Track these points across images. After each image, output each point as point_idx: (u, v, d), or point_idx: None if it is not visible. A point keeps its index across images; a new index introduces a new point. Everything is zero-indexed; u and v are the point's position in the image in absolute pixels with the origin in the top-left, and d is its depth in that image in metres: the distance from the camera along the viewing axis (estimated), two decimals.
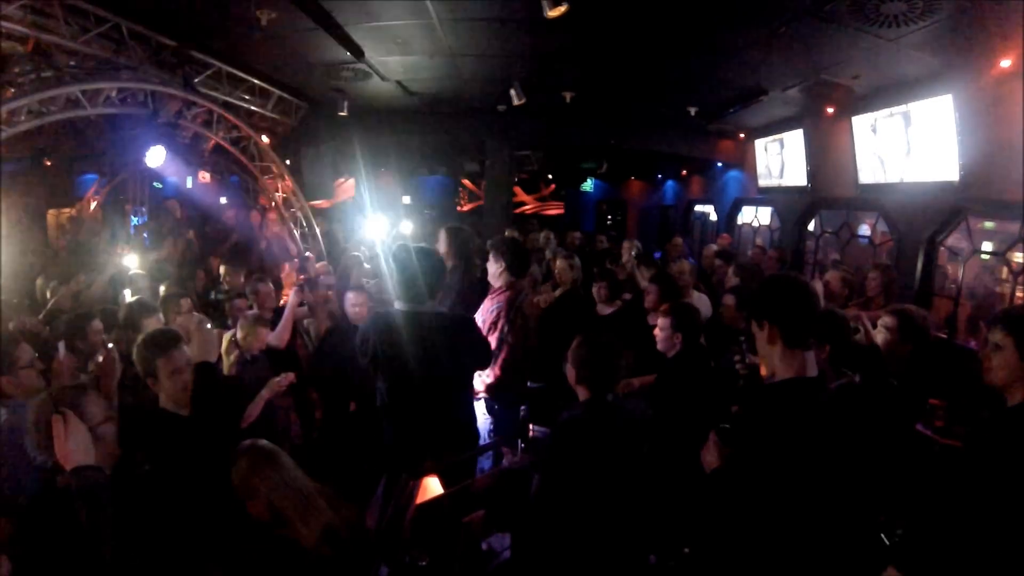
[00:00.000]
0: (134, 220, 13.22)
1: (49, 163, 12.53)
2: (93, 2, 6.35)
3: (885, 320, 3.65)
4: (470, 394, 4.34)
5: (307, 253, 9.55)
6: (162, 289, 6.47)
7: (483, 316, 4.70)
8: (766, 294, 2.42)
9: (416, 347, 3.83)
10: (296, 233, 10.54)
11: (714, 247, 9.21)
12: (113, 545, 2.23)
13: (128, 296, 5.87)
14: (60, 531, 2.29)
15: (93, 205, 12.90)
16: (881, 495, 3.12)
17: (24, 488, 2.78)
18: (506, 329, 4.68)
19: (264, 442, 2.86)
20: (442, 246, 5.16)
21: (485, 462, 4.66)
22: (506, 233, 8.36)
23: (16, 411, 3.39)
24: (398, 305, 3.95)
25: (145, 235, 11.59)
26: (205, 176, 13.48)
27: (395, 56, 7.71)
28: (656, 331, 4.46)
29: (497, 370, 4.71)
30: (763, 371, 2.60)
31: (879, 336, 3.60)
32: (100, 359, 4.00)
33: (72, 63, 6.68)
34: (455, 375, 4.02)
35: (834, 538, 2.23)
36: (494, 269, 4.75)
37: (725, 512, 2.32)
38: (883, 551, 2.86)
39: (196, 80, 8.04)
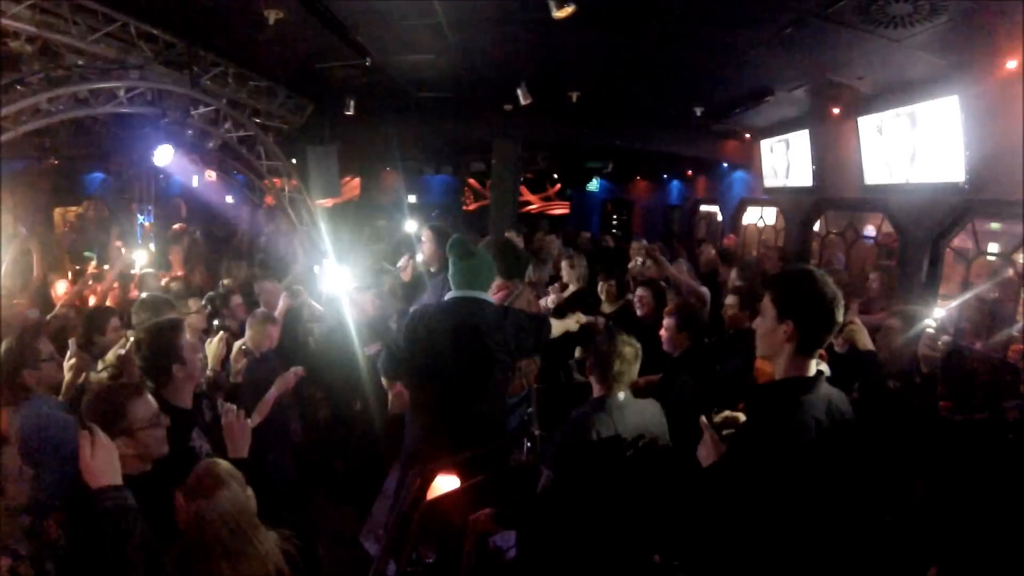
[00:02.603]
0: (140, 218, 13.25)
1: (56, 161, 12.58)
2: (101, 2, 6.38)
3: (890, 322, 3.66)
4: (504, 389, 4.33)
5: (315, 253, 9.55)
6: (172, 287, 6.52)
7: None
8: (799, 292, 2.28)
9: (461, 333, 3.86)
10: (302, 232, 10.55)
11: (712, 249, 9.14)
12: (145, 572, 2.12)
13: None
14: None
15: (99, 203, 12.94)
16: (884, 497, 3.13)
17: (57, 486, 2.68)
18: None
19: (224, 464, 2.47)
20: (427, 247, 5.18)
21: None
22: (506, 234, 8.37)
23: (39, 406, 3.43)
24: (453, 293, 3.98)
25: (152, 233, 11.63)
26: (211, 175, 13.51)
27: (401, 56, 7.73)
28: (662, 331, 4.47)
29: None
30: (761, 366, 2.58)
31: (884, 340, 3.61)
32: (122, 352, 4.03)
33: (80, 62, 6.71)
34: (493, 365, 4.01)
35: (832, 538, 2.23)
36: None
37: (723, 513, 2.31)
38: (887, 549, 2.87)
39: (203, 79, 8.06)
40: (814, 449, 2.15)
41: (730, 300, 4.95)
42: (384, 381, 4.22)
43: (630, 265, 7.04)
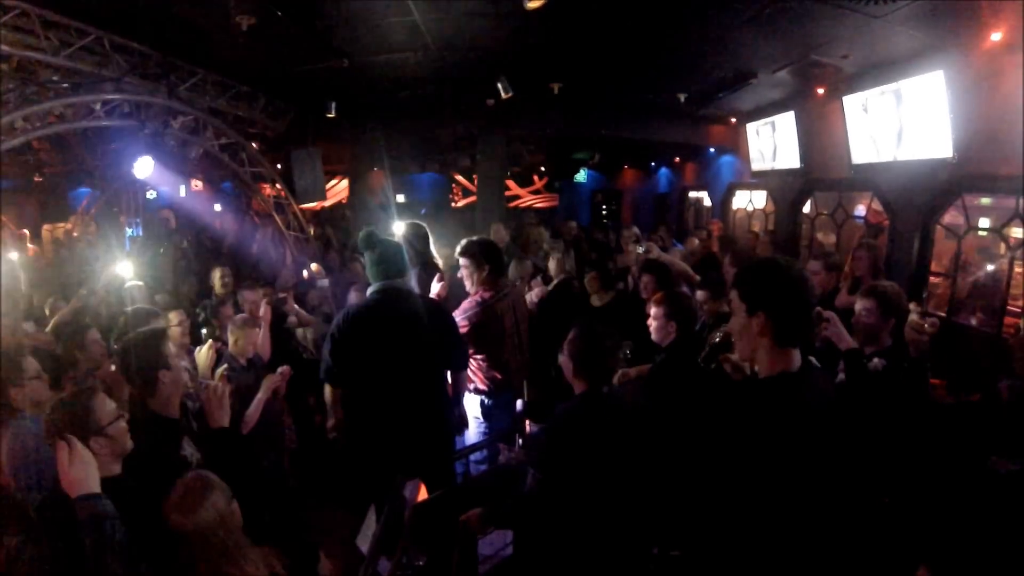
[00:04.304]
0: (129, 231, 13.20)
1: (41, 179, 12.53)
2: (73, 16, 6.31)
3: (864, 302, 3.58)
4: (445, 388, 4.35)
5: (304, 258, 9.51)
6: (157, 299, 6.46)
7: (464, 317, 4.69)
8: (764, 282, 2.23)
9: (396, 324, 3.88)
10: (289, 237, 10.50)
11: (696, 240, 9.02)
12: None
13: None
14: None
15: (86, 219, 12.88)
16: (881, 481, 3.09)
17: (44, 502, 2.67)
18: (497, 330, 4.68)
19: (210, 475, 2.50)
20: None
21: (475, 461, 4.67)
22: (492, 227, 8.32)
23: (27, 425, 3.39)
24: (376, 285, 4.00)
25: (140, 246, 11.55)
26: (198, 184, 13.45)
27: (379, 56, 7.66)
28: (650, 321, 4.41)
29: (495, 373, 4.71)
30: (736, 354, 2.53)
31: (861, 320, 3.54)
32: (112, 368, 3.99)
33: (56, 78, 6.64)
34: (430, 360, 4.05)
35: (829, 530, 2.18)
36: (474, 276, 4.71)
37: (718, 510, 2.27)
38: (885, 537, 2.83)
39: (182, 88, 7.99)
40: (801, 453, 2.08)
41: (700, 295, 4.87)
42: (327, 390, 4.17)
43: (637, 253, 6.92)
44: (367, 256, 4.04)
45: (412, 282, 4.38)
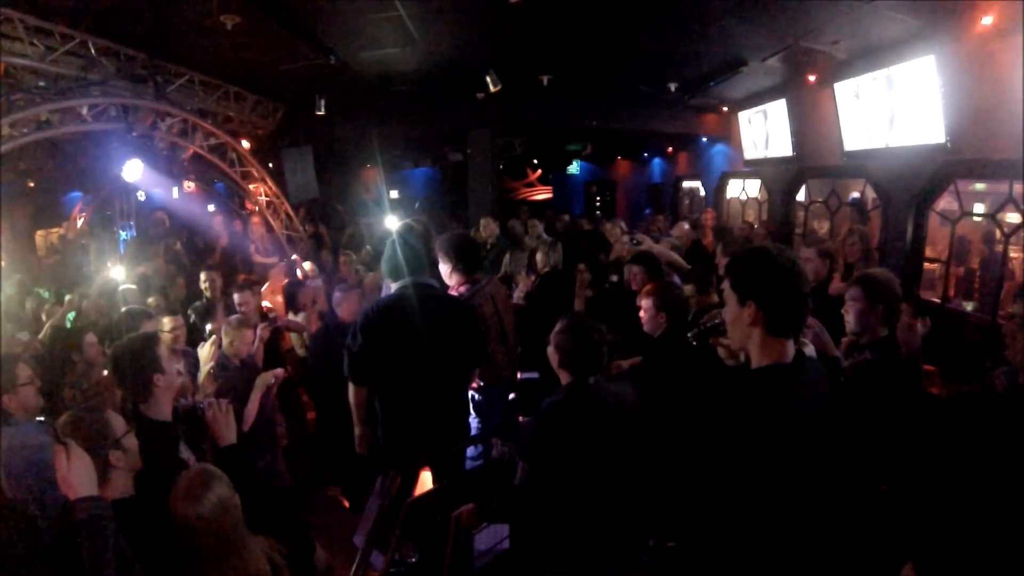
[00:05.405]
0: (122, 234, 13.15)
1: (33, 184, 12.48)
2: (57, 21, 6.27)
3: (851, 291, 3.52)
4: (466, 384, 4.39)
5: (294, 256, 9.46)
6: (150, 302, 6.44)
7: None
8: (755, 271, 2.16)
9: (421, 319, 3.86)
10: (282, 235, 10.47)
11: (685, 225, 8.94)
12: None
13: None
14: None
15: (80, 223, 12.83)
16: (878, 470, 3.06)
17: (44, 506, 2.68)
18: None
19: (212, 467, 2.55)
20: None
21: (469, 456, 4.67)
22: (482, 219, 8.30)
23: (22, 431, 3.37)
24: (401, 281, 3.98)
25: (134, 249, 11.51)
26: (190, 185, 13.40)
27: (366, 52, 7.63)
28: (641, 312, 4.39)
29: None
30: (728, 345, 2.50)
31: (850, 310, 3.50)
32: (106, 372, 3.98)
33: (42, 83, 6.60)
34: (455, 356, 4.04)
35: (821, 523, 2.16)
36: (446, 270, 4.69)
37: (710, 502, 2.24)
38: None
39: (169, 89, 7.95)
40: (793, 446, 2.05)
41: (688, 289, 4.84)
42: (352, 392, 4.14)
43: (627, 244, 6.88)
44: (400, 250, 4.00)
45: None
